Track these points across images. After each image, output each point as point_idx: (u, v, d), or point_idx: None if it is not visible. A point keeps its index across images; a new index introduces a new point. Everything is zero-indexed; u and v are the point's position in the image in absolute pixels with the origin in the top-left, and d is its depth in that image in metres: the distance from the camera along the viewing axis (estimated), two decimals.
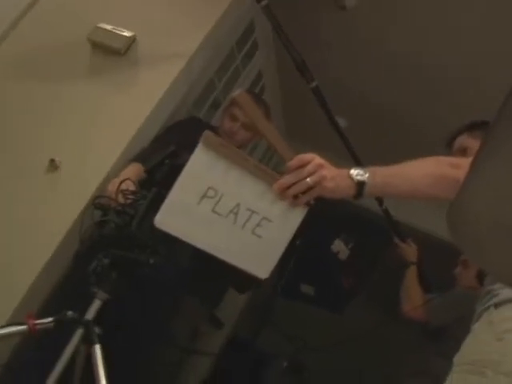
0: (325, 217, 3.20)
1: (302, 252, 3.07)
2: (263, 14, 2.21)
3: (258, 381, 3.30)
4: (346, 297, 3.33)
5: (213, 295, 2.83)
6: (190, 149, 2.26)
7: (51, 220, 2.12)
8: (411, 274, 2.73)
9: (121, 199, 1.69)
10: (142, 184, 1.82)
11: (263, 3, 2.13)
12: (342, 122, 4.10)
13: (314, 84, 2.23)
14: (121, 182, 1.75)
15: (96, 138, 2.31)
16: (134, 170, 2.12)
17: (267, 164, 4.46)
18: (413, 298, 2.62)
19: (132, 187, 1.76)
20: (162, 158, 1.67)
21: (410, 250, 2.82)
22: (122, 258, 1.61)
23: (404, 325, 2.64)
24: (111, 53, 2.45)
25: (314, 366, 3.09)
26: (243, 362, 2.68)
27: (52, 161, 2.22)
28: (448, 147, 2.25)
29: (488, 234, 0.78)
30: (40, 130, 2.33)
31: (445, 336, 2.52)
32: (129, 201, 1.67)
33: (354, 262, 3.85)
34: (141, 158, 2.23)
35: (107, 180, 2.11)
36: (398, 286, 2.77)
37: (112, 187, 1.85)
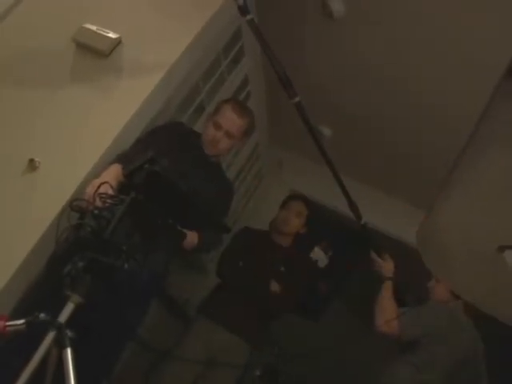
0: (307, 223, 3.21)
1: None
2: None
3: None
4: (322, 304, 3.34)
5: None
6: (170, 155, 2.26)
7: (27, 220, 2.10)
8: (386, 289, 2.74)
9: (98, 202, 1.68)
10: (121, 188, 1.80)
11: (248, 17, 2.13)
12: (326, 132, 4.13)
13: (296, 99, 2.22)
14: (99, 186, 1.74)
15: (77, 140, 2.29)
16: (115, 172, 2.11)
17: (249, 171, 4.44)
18: (386, 312, 2.64)
19: (110, 191, 1.75)
20: (141, 163, 1.66)
21: (386, 266, 2.82)
22: (97, 261, 1.60)
23: (379, 336, 2.66)
24: (95, 54, 2.43)
25: (288, 374, 3.09)
26: None
27: (31, 161, 2.20)
28: None
29: (454, 252, 0.80)
30: (21, 130, 2.30)
31: (419, 349, 2.55)
32: (106, 204, 1.66)
33: (331, 270, 3.87)
34: (122, 160, 2.21)
35: (86, 182, 2.09)
36: (375, 297, 2.79)
37: (91, 189, 1.84)
